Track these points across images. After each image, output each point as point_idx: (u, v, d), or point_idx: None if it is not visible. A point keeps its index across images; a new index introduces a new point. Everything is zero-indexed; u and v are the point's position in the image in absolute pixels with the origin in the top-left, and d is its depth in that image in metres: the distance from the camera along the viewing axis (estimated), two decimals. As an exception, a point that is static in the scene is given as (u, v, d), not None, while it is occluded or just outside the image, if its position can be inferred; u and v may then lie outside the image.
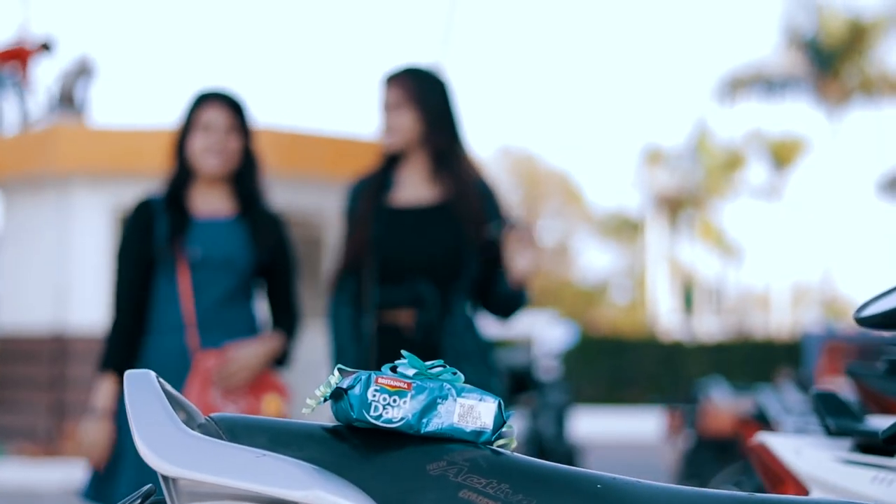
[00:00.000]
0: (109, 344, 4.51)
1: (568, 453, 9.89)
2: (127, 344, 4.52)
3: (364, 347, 4.50)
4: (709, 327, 39.81)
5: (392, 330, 4.48)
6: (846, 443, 2.68)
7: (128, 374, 1.85)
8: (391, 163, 4.67)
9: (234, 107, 4.61)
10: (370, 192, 4.64)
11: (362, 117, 71.84)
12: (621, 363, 29.61)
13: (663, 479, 11.67)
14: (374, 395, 1.78)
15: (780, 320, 39.65)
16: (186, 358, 4.48)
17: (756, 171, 42.87)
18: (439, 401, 1.79)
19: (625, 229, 46.48)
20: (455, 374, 1.84)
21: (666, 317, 42.74)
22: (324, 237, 17.47)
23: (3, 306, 16.61)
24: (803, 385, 10.02)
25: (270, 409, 4.51)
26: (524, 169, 48.81)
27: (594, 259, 66.97)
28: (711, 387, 9.15)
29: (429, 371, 1.83)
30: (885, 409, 4.09)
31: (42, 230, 16.00)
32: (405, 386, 1.79)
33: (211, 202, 4.63)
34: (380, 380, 1.78)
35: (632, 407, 29.05)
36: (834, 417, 2.69)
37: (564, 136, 71.46)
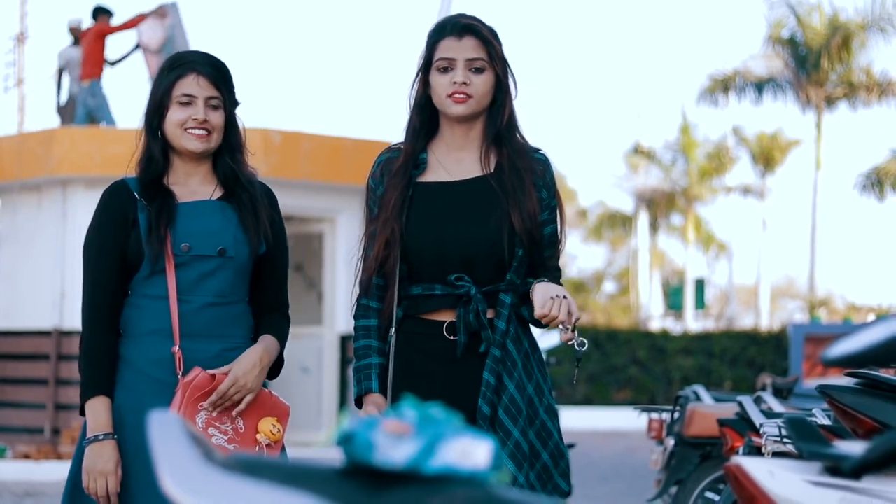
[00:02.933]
0: (92, 365, 3.93)
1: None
2: (111, 363, 3.95)
3: (397, 358, 3.89)
4: (695, 322, 39.98)
5: (429, 337, 3.87)
6: (817, 466, 2.85)
7: (152, 415, 1.94)
8: (422, 136, 3.99)
9: (215, 75, 4.01)
10: (402, 167, 3.95)
11: (364, 120, 71.84)
12: (609, 352, 29.78)
13: (649, 479, 11.84)
14: (379, 438, 1.93)
15: (765, 317, 39.83)
16: (172, 370, 3.92)
17: (741, 171, 43.15)
18: (439, 442, 1.94)
19: (613, 227, 46.60)
20: (454, 414, 1.98)
21: (653, 312, 42.91)
22: (325, 240, 17.59)
23: (3, 307, 16.71)
24: (783, 392, 10.17)
25: (266, 432, 3.97)
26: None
27: (584, 256, 67.12)
28: (694, 395, 9.29)
29: (429, 413, 1.99)
30: (858, 425, 4.27)
31: (41, 232, 16.13)
32: (407, 429, 1.94)
33: (193, 184, 4.06)
34: (385, 423, 1.94)
35: (617, 405, 29.23)
36: (805, 442, 2.87)
37: (551, 135, 71.61)
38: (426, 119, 3.98)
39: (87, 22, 17.81)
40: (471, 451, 1.95)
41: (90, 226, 4.05)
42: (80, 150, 15.86)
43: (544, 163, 3.99)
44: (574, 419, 24.85)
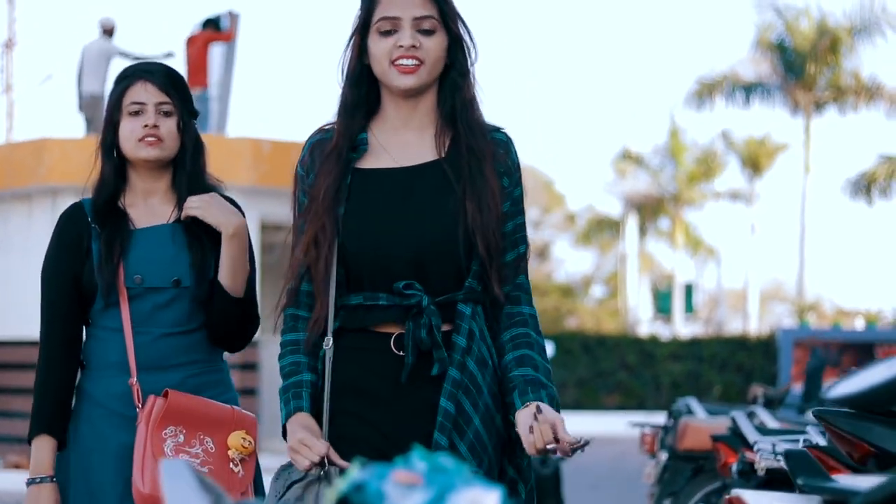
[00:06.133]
0: (44, 402, 3.78)
1: (553, 474, 10.05)
2: (64, 400, 3.81)
3: (336, 375, 3.24)
4: (684, 327, 40.04)
5: (373, 352, 3.21)
6: (817, 499, 2.87)
7: (164, 464, 1.97)
8: (359, 114, 3.30)
9: (164, 81, 3.82)
10: (336, 149, 3.27)
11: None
12: (598, 357, 29.83)
13: (639, 487, 11.85)
14: (390, 489, 1.94)
15: (754, 321, 39.89)
16: (131, 403, 3.76)
17: (730, 175, 43.23)
18: (448, 493, 1.93)
19: (602, 231, 46.67)
20: (463, 464, 1.99)
21: (642, 316, 42.97)
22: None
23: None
24: (774, 403, 10.19)
25: (237, 446, 3.79)
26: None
27: (572, 261, 67.22)
28: (686, 407, 9.31)
29: (439, 463, 2.00)
30: (854, 449, 4.28)
31: (33, 240, 16.13)
32: (417, 480, 1.96)
33: (153, 203, 3.88)
34: (395, 474, 1.95)
35: (607, 409, 29.26)
36: (804, 476, 2.89)
37: (539, 140, 71.67)
38: (363, 94, 3.28)
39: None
40: (480, 502, 1.97)
41: (46, 253, 3.91)
42: (70, 160, 15.87)
43: (506, 144, 3.30)
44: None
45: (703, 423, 8.29)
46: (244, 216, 3.89)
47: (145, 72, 3.83)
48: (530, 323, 3.28)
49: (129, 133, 3.79)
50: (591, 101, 77.46)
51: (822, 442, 5.43)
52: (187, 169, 3.85)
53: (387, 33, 3.20)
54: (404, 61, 3.19)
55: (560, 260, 53.18)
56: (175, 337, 3.82)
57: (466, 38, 3.27)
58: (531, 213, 49.37)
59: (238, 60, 18.21)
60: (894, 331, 27.80)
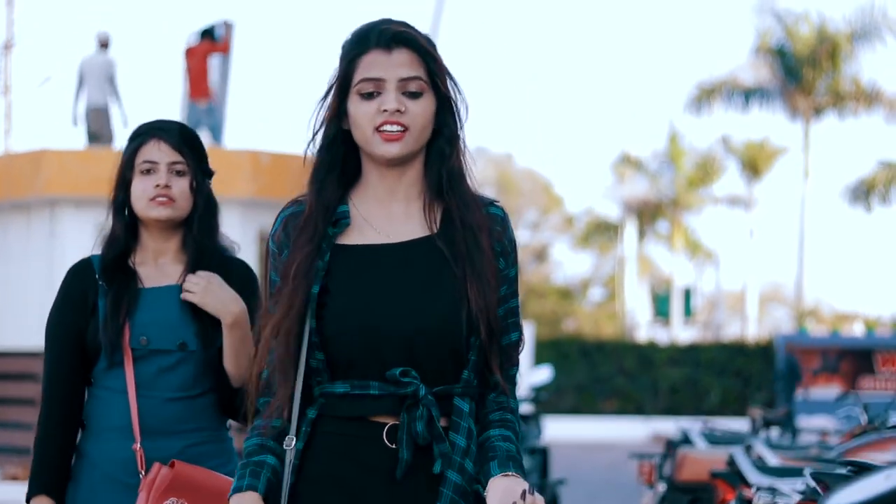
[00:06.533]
0: (43, 461, 3.71)
1: (551, 497, 10.05)
2: (63, 460, 3.73)
3: (316, 465, 2.88)
4: (682, 333, 40.07)
5: (361, 440, 2.87)
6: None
7: None
8: (334, 183, 2.96)
9: (178, 140, 3.75)
10: (311, 220, 2.92)
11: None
12: (596, 364, 29.85)
13: (635, 497, 11.85)
14: None
15: (752, 324, 39.92)
16: (132, 469, 3.67)
17: (729, 180, 43.23)
18: None
19: (601, 235, 46.70)
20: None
21: (640, 321, 42.99)
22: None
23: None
24: (773, 422, 10.19)
25: None
26: (501, 172, 48.97)
27: (571, 263, 67.34)
28: (684, 438, 9.30)
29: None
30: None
31: (30, 252, 16.14)
32: None
33: (163, 263, 3.79)
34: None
35: (604, 414, 29.28)
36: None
37: (539, 143, 71.78)
38: (339, 160, 2.95)
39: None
40: None
41: (52, 308, 3.81)
42: (68, 171, 15.86)
43: (502, 220, 2.97)
44: (560, 429, 24.90)
45: (701, 454, 8.30)
46: (255, 278, 3.79)
47: (159, 130, 3.77)
48: (516, 417, 2.99)
49: (141, 192, 3.73)
50: (590, 105, 77.46)
51: (818, 489, 5.43)
52: (198, 230, 3.77)
53: (369, 96, 2.88)
54: (388, 127, 2.87)
55: (558, 262, 53.22)
56: (179, 402, 3.73)
57: (456, 99, 2.95)
58: (530, 214, 49.41)
59: (235, 71, 18.19)
60: (893, 337, 27.82)
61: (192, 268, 3.75)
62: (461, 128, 2.97)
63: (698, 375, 29.92)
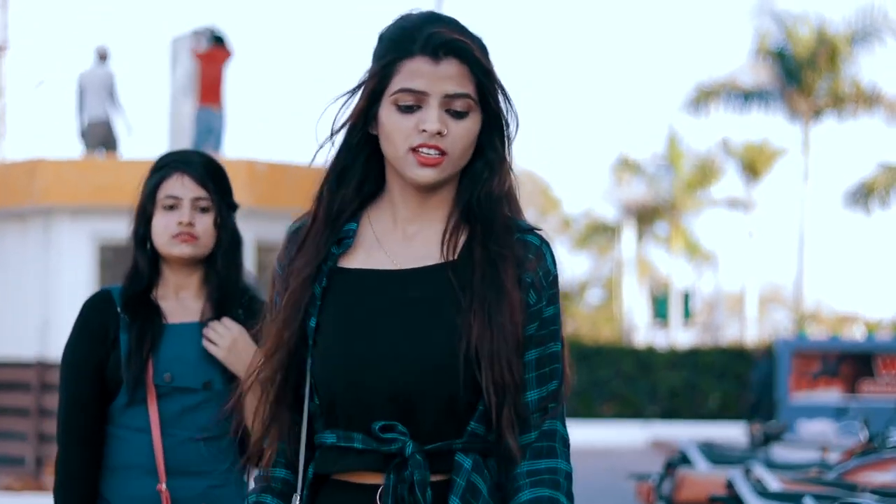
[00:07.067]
0: (67, 500, 3.59)
1: None
2: (89, 496, 3.60)
3: None
4: (681, 335, 40.05)
5: None
6: None
7: None
8: (350, 196, 2.56)
9: (203, 174, 3.62)
10: (314, 237, 2.54)
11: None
12: (594, 368, 29.79)
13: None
14: None
15: (751, 328, 39.90)
16: None
17: (728, 182, 43.28)
18: None
19: (599, 237, 46.68)
20: None
21: (639, 324, 42.97)
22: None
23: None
24: (772, 438, 10.12)
25: None
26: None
27: (569, 265, 67.27)
28: (683, 458, 9.23)
29: None
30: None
31: (26, 261, 16.10)
32: None
33: (182, 298, 3.67)
34: None
35: (603, 418, 29.23)
36: None
37: (538, 145, 71.81)
38: (358, 168, 2.56)
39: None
40: None
41: (68, 340, 3.66)
42: (64, 180, 15.81)
43: (538, 249, 2.52)
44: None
45: (700, 476, 8.24)
46: None
47: (183, 163, 3.62)
48: (562, 486, 2.47)
49: (163, 229, 3.60)
50: (589, 107, 77.51)
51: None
52: (222, 265, 3.64)
53: (407, 109, 2.46)
54: (426, 151, 2.45)
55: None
56: (202, 443, 3.60)
57: (507, 116, 2.54)
58: (528, 216, 49.20)
59: (231, 80, 18.17)
60: (893, 341, 27.76)
61: (215, 306, 3.63)
62: (508, 147, 2.56)
63: (697, 379, 29.85)
